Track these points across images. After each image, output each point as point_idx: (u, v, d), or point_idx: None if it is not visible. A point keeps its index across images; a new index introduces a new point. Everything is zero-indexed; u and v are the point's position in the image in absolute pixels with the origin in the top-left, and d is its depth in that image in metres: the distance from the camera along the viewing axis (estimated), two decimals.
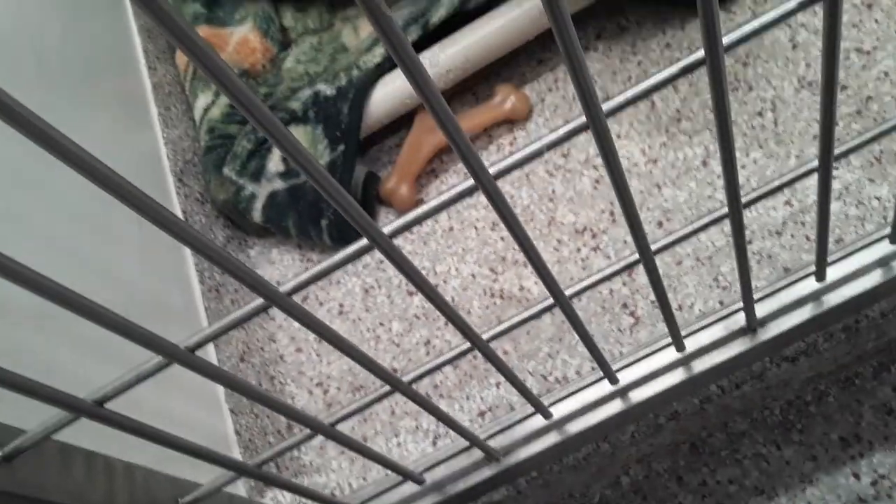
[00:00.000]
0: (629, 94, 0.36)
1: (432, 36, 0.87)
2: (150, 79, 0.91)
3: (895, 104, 0.71)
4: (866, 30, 0.76)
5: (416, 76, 0.28)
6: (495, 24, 0.85)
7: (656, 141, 0.81)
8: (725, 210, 0.43)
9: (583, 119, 0.36)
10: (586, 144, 0.83)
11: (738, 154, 0.76)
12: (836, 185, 0.68)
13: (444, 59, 0.86)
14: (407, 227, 0.37)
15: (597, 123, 0.35)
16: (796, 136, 0.74)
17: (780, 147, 0.74)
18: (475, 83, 0.92)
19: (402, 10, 0.91)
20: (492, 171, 0.37)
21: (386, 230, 0.37)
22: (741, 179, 0.75)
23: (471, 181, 0.36)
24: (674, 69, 0.35)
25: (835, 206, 0.66)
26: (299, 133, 0.86)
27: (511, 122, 0.89)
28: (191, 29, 0.23)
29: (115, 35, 0.91)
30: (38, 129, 0.23)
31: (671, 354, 0.54)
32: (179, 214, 0.84)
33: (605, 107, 0.36)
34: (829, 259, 0.51)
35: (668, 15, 0.86)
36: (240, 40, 0.96)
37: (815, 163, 0.41)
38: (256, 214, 0.85)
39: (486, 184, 0.35)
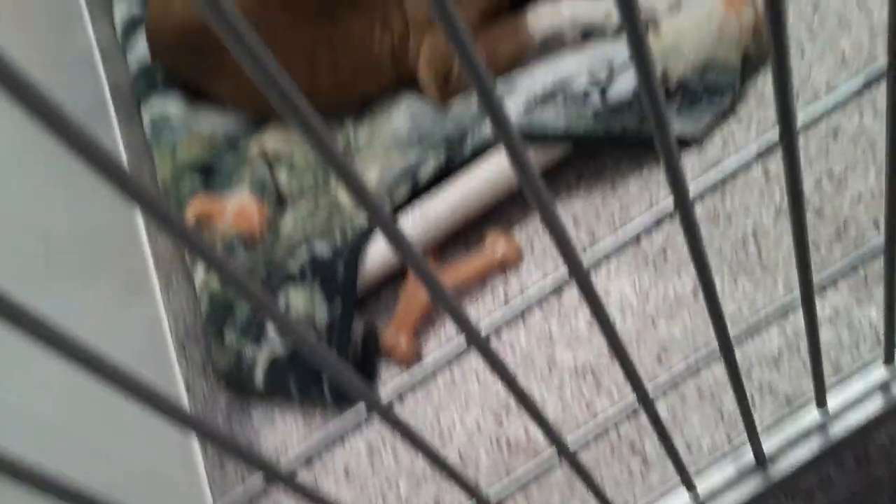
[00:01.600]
0: (608, 246, 0.38)
1: (422, 190, 0.91)
2: (152, 251, 0.94)
3: (872, 225, 0.73)
4: (835, 155, 0.79)
5: (398, 245, 0.30)
6: (483, 176, 0.89)
7: (645, 276, 0.82)
8: (718, 348, 0.43)
9: (566, 275, 0.37)
10: None
11: (726, 284, 0.77)
12: (825, 310, 0.69)
13: (434, 211, 0.89)
14: (405, 391, 0.38)
15: (580, 278, 0.36)
16: (781, 263, 0.76)
17: (767, 275, 0.76)
18: (466, 232, 0.95)
19: (393, 168, 0.95)
20: (483, 331, 0.38)
21: (384, 394, 0.37)
22: (732, 308, 0.76)
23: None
24: (647, 218, 0.37)
25: (827, 332, 0.67)
26: (297, 294, 0.88)
27: (504, 266, 0.91)
28: (179, 220, 0.25)
29: (117, 212, 0.94)
30: (47, 333, 0.24)
31: (683, 498, 0.53)
32: (181, 385, 0.84)
33: (588, 258, 0.37)
34: (829, 387, 0.52)
35: (643, 154, 0.90)
36: (237, 208, 0.99)
37: (797, 293, 0.42)
38: (258, 382, 0.86)
39: (479, 345, 0.36)
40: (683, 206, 0.33)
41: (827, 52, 0.86)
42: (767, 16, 0.29)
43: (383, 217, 0.28)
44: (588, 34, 0.94)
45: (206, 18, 0.21)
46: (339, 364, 0.31)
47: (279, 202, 1.02)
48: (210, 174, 1.04)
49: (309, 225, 0.96)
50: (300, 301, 0.87)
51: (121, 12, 1.33)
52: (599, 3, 0.92)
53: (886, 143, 0.36)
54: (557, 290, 0.37)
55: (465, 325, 0.33)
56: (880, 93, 0.81)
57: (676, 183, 0.31)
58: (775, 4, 0.28)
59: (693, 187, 0.34)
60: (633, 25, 0.26)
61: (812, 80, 0.85)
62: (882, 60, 0.83)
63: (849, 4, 0.89)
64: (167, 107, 1.15)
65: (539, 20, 0.94)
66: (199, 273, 0.94)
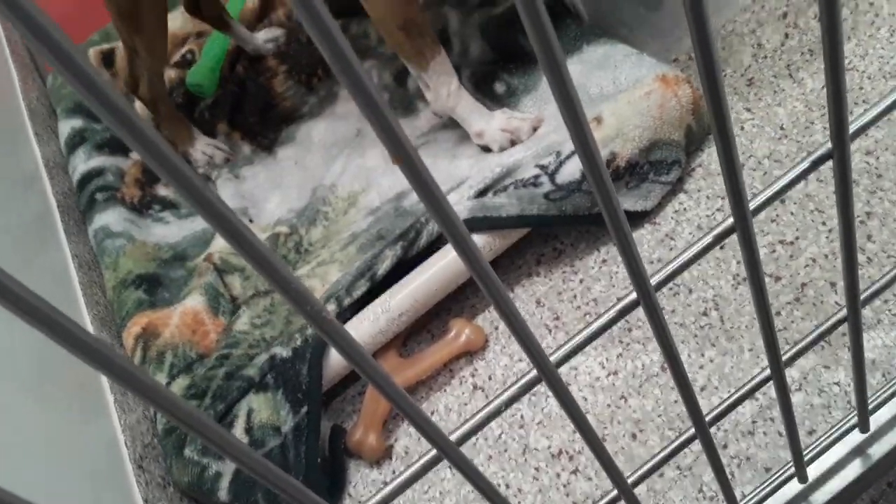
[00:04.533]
0: (575, 341, 0.37)
1: (382, 285, 0.90)
2: None
3: (829, 287, 0.74)
4: (785, 222, 0.81)
5: (351, 355, 0.29)
6: (439, 265, 0.88)
7: (613, 353, 0.82)
8: (692, 431, 0.43)
9: (534, 373, 0.36)
10: None
11: (693, 355, 0.77)
12: (794, 375, 0.69)
13: (395, 304, 0.88)
14: None
15: (549, 376, 0.35)
16: (744, 330, 0.76)
17: (732, 343, 0.76)
18: (429, 321, 0.94)
19: (351, 267, 0.94)
20: (453, 438, 0.37)
21: None
22: (702, 380, 0.75)
23: (433, 450, 0.36)
24: (612, 313, 0.37)
25: (798, 398, 0.66)
26: (260, 401, 0.85)
27: (469, 353, 0.90)
28: (145, 379, 0.24)
29: None
30: None
31: None
32: (140, 503, 0.80)
33: (554, 357, 0.37)
34: (807, 456, 0.51)
35: (598, 233, 0.91)
36: (184, 311, 0.97)
37: (768, 372, 0.42)
38: (223, 494, 0.82)
39: (450, 453, 0.34)
40: (647, 298, 0.32)
41: (766, 125, 0.89)
42: (707, 95, 0.29)
43: (331, 331, 0.27)
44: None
45: None
46: (303, 493, 0.29)
47: (233, 308, 1.00)
48: (156, 287, 1.02)
49: (268, 328, 0.94)
50: (263, 408, 0.85)
51: (65, 128, 1.34)
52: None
53: (839, 217, 0.37)
54: (528, 387, 0.36)
55: (434, 439, 0.32)
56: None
57: (638, 277, 0.31)
58: (713, 83, 0.28)
59: (654, 279, 0.34)
60: (578, 125, 0.26)
61: (754, 151, 0.88)
62: (819, 128, 0.86)
63: (781, 76, 0.93)
64: (108, 218, 1.14)
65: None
66: None
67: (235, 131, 1.29)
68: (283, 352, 0.88)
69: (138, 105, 1.29)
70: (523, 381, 0.37)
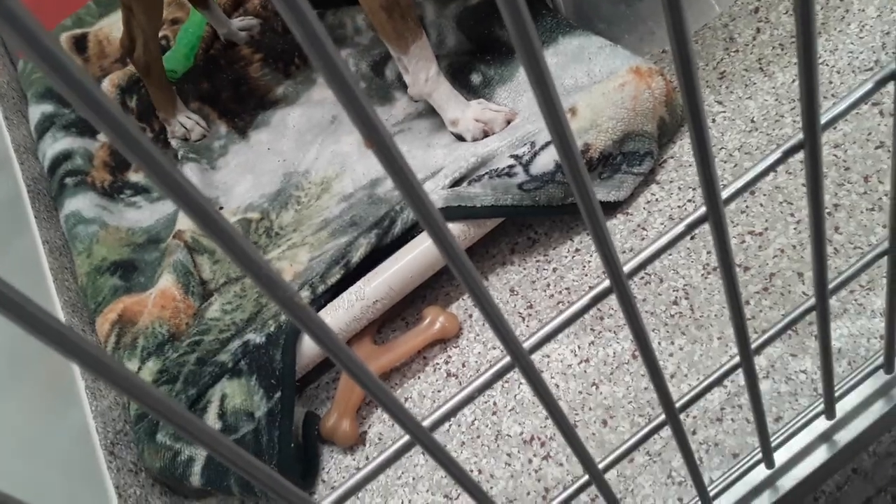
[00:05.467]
0: (549, 328, 0.37)
1: (356, 272, 0.90)
2: None
3: (797, 277, 0.76)
4: (754, 213, 0.82)
5: (323, 341, 0.29)
6: (414, 253, 0.88)
7: (585, 341, 0.83)
8: (662, 417, 0.43)
9: (507, 359, 0.37)
10: None
11: (664, 343, 0.78)
12: (761, 363, 0.70)
13: (370, 291, 0.88)
14: (348, 496, 0.36)
15: (522, 362, 0.36)
16: (714, 319, 0.77)
17: (702, 331, 0.77)
18: (403, 309, 0.94)
19: (326, 253, 0.94)
20: (426, 424, 0.37)
21: (327, 502, 0.36)
22: (672, 367, 0.76)
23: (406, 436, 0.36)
24: (586, 300, 0.37)
25: (765, 385, 0.68)
26: (233, 386, 0.85)
27: (443, 341, 0.90)
28: (118, 370, 0.24)
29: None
30: None
31: None
32: (111, 489, 0.80)
33: (527, 344, 0.37)
34: (774, 442, 0.52)
35: (572, 223, 0.92)
36: (158, 293, 0.97)
37: (737, 360, 0.43)
38: (195, 479, 0.82)
39: (423, 439, 0.35)
40: (620, 286, 0.33)
41: (737, 117, 0.91)
42: (682, 89, 0.30)
43: (304, 316, 0.27)
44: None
45: None
46: (274, 479, 0.29)
47: (204, 292, 1.00)
48: (131, 272, 1.02)
49: (238, 313, 0.93)
50: (237, 394, 0.84)
51: (35, 113, 1.32)
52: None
53: (809, 206, 0.38)
54: (501, 374, 0.37)
55: (407, 425, 0.32)
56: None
57: (611, 265, 0.31)
58: (688, 76, 0.29)
59: (627, 267, 0.35)
60: (555, 116, 0.26)
61: (725, 143, 0.89)
62: (789, 121, 0.87)
63: (752, 70, 0.94)
64: (79, 203, 1.13)
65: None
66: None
67: (212, 109, 1.28)
68: (256, 338, 0.88)
69: (106, 85, 1.28)
70: (497, 367, 0.38)
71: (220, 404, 0.85)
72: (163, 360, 0.91)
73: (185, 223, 1.07)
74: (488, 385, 0.37)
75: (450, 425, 0.83)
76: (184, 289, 0.98)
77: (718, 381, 0.44)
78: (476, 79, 1.05)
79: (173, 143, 1.24)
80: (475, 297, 0.32)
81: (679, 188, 0.89)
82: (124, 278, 1.04)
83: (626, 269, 0.37)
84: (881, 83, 0.38)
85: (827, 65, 0.90)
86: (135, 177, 1.23)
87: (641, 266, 0.37)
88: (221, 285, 1.00)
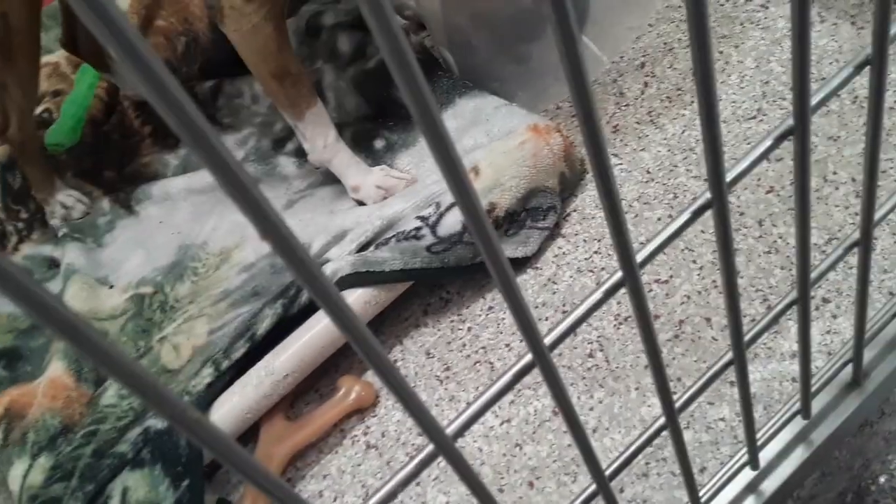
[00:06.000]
0: (472, 410, 0.36)
1: (263, 345, 0.86)
2: None
3: (705, 323, 0.77)
4: (659, 261, 0.84)
5: (218, 448, 0.26)
6: (323, 322, 0.86)
7: (505, 400, 0.81)
8: (594, 487, 0.42)
9: (430, 447, 0.35)
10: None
11: (583, 397, 0.78)
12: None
13: (279, 365, 0.84)
14: None
15: (446, 450, 0.34)
16: (630, 369, 0.78)
17: (619, 382, 0.77)
18: (316, 380, 0.91)
19: (228, 325, 0.90)
20: None
21: None
22: (593, 422, 0.76)
23: None
24: (508, 377, 0.36)
25: (687, 436, 0.68)
26: (135, 478, 0.79)
27: (360, 411, 0.87)
28: None
29: None
30: None
31: None
32: None
33: (450, 430, 0.35)
34: (703, 498, 0.52)
35: (483, 280, 0.91)
36: (48, 382, 0.90)
37: (663, 420, 0.42)
38: None
39: None
40: (542, 359, 0.32)
41: (634, 169, 0.93)
42: (588, 146, 0.29)
43: (199, 431, 0.25)
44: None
45: None
46: None
47: (98, 377, 0.93)
48: (16, 361, 0.94)
49: (137, 400, 0.87)
50: (140, 486, 0.79)
51: None
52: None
53: (721, 264, 0.38)
54: (424, 464, 0.35)
55: None
56: (688, 204, 0.87)
57: (534, 344, 0.30)
58: (593, 134, 0.28)
59: (548, 339, 0.34)
60: (458, 180, 0.25)
61: (624, 195, 0.91)
62: (682, 170, 0.90)
63: (643, 122, 0.97)
64: None
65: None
66: (16, 471, 0.83)
67: (94, 186, 1.22)
68: (157, 423, 0.82)
69: None
70: (419, 458, 0.36)
71: (121, 499, 0.79)
72: (56, 454, 0.84)
73: (73, 304, 1.01)
74: (412, 477, 0.35)
75: None
76: (76, 375, 0.92)
77: (648, 443, 0.44)
78: (379, 144, 1.04)
79: (53, 223, 1.17)
80: (390, 385, 0.30)
81: (584, 240, 0.90)
82: (9, 368, 0.97)
83: (548, 340, 0.36)
84: (781, 138, 0.39)
85: None
86: (15, 258, 1.15)
87: (562, 337, 0.37)
88: None
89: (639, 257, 0.37)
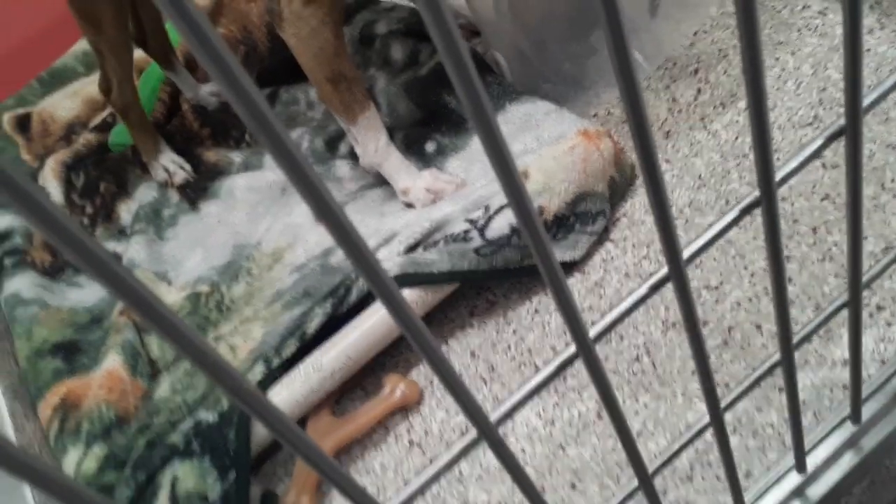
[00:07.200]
0: (515, 399, 0.36)
1: (312, 342, 0.88)
2: (18, 440, 0.85)
3: (755, 329, 0.76)
4: (709, 268, 0.83)
5: (276, 426, 0.27)
6: (371, 321, 0.87)
7: (549, 402, 0.81)
8: (636, 483, 0.42)
9: (474, 433, 0.35)
10: None
11: (628, 401, 0.77)
12: (727, 418, 0.69)
13: (327, 362, 0.86)
14: None
15: (490, 437, 0.34)
16: (676, 375, 0.77)
17: (665, 387, 0.77)
18: (362, 378, 0.92)
19: (280, 325, 0.92)
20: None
21: None
22: (637, 426, 0.76)
23: None
24: (552, 368, 0.36)
25: (733, 441, 0.67)
26: (185, 469, 0.81)
27: (405, 409, 0.88)
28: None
29: None
30: None
31: None
32: None
33: (494, 417, 0.36)
34: (748, 501, 0.51)
35: (530, 283, 0.91)
36: (105, 374, 0.93)
37: (707, 419, 0.42)
38: None
39: None
40: (586, 351, 0.32)
41: (685, 175, 0.92)
42: (638, 149, 0.30)
43: (255, 402, 0.26)
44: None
45: None
46: None
47: (152, 371, 0.96)
48: (74, 353, 0.98)
49: (189, 392, 0.90)
50: (189, 477, 0.81)
51: None
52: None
53: (770, 264, 0.38)
54: (468, 449, 0.35)
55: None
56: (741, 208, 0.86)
57: (576, 330, 0.31)
58: (643, 138, 0.29)
59: (592, 332, 0.34)
60: (511, 179, 0.26)
61: (675, 201, 0.90)
62: (735, 177, 0.89)
63: (696, 128, 0.97)
64: (19, 284, 1.10)
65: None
66: (71, 458, 0.86)
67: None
68: (208, 416, 0.84)
69: (51, 163, 1.25)
70: (463, 443, 0.36)
71: (171, 489, 0.81)
72: (109, 444, 0.87)
73: None
74: (455, 461, 0.36)
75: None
76: (131, 370, 0.94)
77: (690, 442, 0.44)
78: (430, 147, 1.05)
79: (157, 180, 1.23)
80: (436, 369, 0.31)
81: (633, 245, 0.89)
82: (67, 360, 1.00)
83: (592, 333, 0.37)
84: (832, 138, 0.39)
85: None
86: None
87: (606, 330, 0.37)
88: (171, 363, 0.96)
89: (685, 253, 0.37)
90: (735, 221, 0.38)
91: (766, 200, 0.35)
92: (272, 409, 0.27)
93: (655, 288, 0.37)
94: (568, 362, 0.37)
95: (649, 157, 0.29)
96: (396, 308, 0.27)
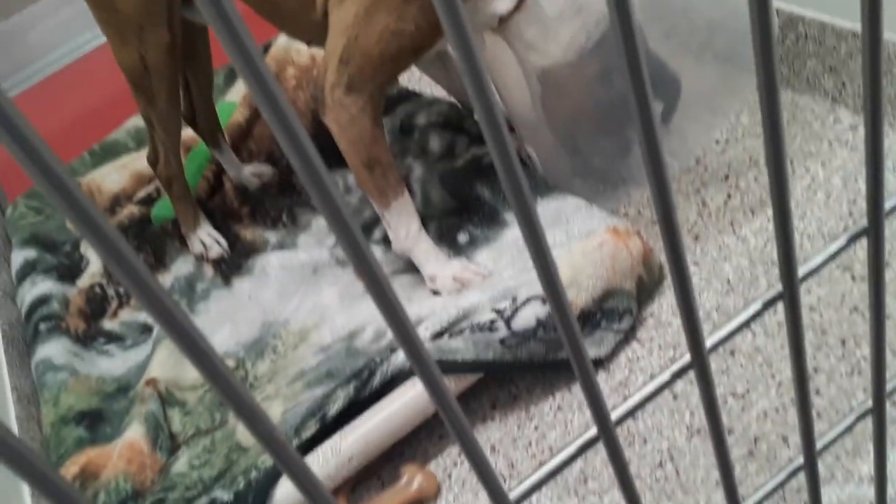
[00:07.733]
0: (535, 478, 0.36)
1: (332, 425, 0.88)
2: None
3: (782, 441, 0.75)
4: (735, 375, 0.82)
5: (307, 492, 0.28)
6: (392, 408, 0.87)
7: (570, 503, 0.80)
8: None
9: None
10: None
11: None
12: None
13: (346, 446, 0.85)
14: None
15: None
16: (700, 484, 0.75)
17: (688, 496, 0.75)
18: (380, 467, 0.91)
19: (300, 405, 0.92)
20: None
21: None
22: None
23: None
24: (571, 450, 0.36)
25: None
26: None
27: (421, 501, 0.86)
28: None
29: None
30: None
31: None
32: None
33: (514, 494, 0.36)
34: None
35: (554, 379, 0.91)
36: (126, 445, 0.93)
37: None
38: None
39: None
40: (607, 432, 0.32)
41: (713, 278, 0.93)
42: (667, 247, 0.31)
43: (288, 457, 0.26)
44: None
45: None
46: None
47: (172, 446, 0.96)
48: (98, 422, 0.98)
49: (206, 469, 0.90)
50: None
51: (18, 258, 1.33)
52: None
53: (792, 357, 0.38)
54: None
55: None
56: (768, 313, 0.86)
57: (599, 412, 0.31)
58: (672, 237, 0.29)
59: (614, 415, 0.34)
60: (546, 269, 0.26)
61: (702, 303, 0.90)
62: (763, 283, 0.89)
63: (725, 232, 0.97)
64: (51, 349, 1.12)
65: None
66: None
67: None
68: (224, 495, 0.84)
69: None
70: None
71: None
72: None
73: (158, 370, 1.05)
74: None
75: None
76: (152, 442, 0.95)
77: None
78: (462, 238, 1.07)
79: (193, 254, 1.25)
80: (465, 449, 0.31)
81: (659, 346, 0.89)
82: (90, 429, 1.01)
83: (614, 416, 0.37)
84: (854, 238, 0.39)
85: (797, 230, 0.93)
86: (109, 324, 1.21)
87: (629, 413, 0.37)
88: (190, 437, 0.96)
89: (708, 342, 0.37)
90: (758, 314, 0.38)
91: (789, 293, 0.36)
92: (300, 464, 0.27)
93: (678, 374, 0.37)
94: (589, 444, 0.37)
95: (678, 258, 0.30)
96: (433, 383, 0.27)
